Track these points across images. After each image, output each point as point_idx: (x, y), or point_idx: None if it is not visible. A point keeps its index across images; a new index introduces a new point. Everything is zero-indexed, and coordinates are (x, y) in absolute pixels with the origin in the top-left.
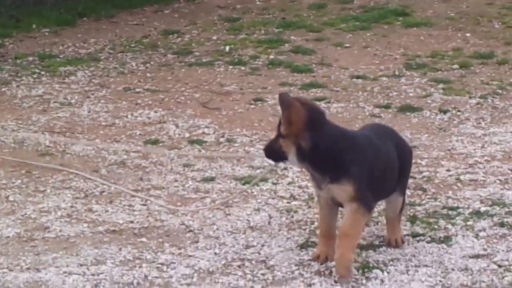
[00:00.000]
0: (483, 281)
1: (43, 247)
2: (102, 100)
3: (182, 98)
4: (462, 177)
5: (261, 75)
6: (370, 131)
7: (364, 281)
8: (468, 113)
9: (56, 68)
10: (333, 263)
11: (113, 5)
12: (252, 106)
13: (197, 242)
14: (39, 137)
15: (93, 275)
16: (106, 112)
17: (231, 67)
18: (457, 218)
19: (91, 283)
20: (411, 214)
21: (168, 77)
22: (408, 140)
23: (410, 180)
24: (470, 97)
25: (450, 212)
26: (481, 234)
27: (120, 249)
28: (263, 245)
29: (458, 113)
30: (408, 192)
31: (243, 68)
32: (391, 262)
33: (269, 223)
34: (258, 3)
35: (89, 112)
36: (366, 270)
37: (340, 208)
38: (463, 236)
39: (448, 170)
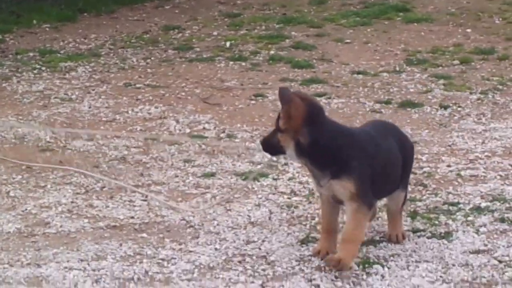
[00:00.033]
0: (484, 277)
1: (44, 242)
2: (103, 95)
3: (183, 93)
4: (462, 173)
5: (262, 71)
6: (371, 128)
7: (364, 277)
8: (469, 108)
9: (56, 63)
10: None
11: (113, 0)
12: (253, 102)
13: (197, 237)
14: (40, 133)
15: (93, 270)
16: (107, 107)
17: (231, 62)
18: (457, 213)
19: (92, 278)
20: (412, 210)
21: (169, 73)
22: (409, 136)
23: (410, 176)
24: (470, 93)
25: (450, 208)
26: (482, 229)
27: (120, 245)
28: (263, 241)
29: (459, 108)
30: (408, 187)
31: (243, 63)
32: (391, 258)
33: (269, 218)
34: None
35: (89, 107)
36: (366, 265)
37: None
38: (464, 231)
39: (449, 166)
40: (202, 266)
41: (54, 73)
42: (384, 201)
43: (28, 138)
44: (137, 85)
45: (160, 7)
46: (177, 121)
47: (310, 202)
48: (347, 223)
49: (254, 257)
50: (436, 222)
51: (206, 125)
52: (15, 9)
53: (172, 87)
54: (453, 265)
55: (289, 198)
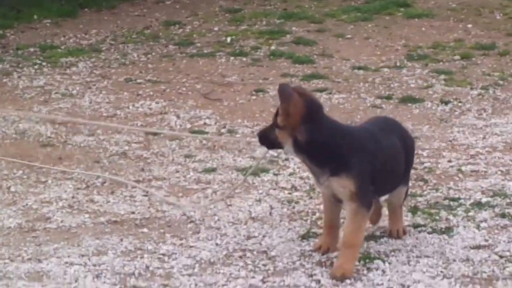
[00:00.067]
0: (484, 272)
1: (45, 237)
2: (104, 91)
3: (184, 89)
4: (463, 168)
5: (263, 66)
6: (371, 125)
7: (365, 272)
8: (470, 104)
9: (57, 59)
10: (334, 254)
11: None
12: (254, 97)
13: (198, 232)
14: (41, 128)
15: (94, 265)
16: (108, 103)
17: (232, 58)
18: (458, 209)
19: (93, 273)
20: (413, 205)
21: (170, 68)
22: (410, 131)
23: (411, 171)
24: (471, 88)
25: (451, 203)
26: (482, 225)
27: (121, 240)
28: (264, 236)
29: (460, 104)
30: (409, 183)
31: (244, 59)
32: (392, 253)
33: (270, 214)
34: None
35: (90, 103)
36: (367, 260)
37: None
38: (464, 227)
39: (450, 161)
40: (203, 261)
41: (55, 68)
42: (385, 196)
43: (29, 134)
44: (138, 81)
45: (160, 2)
46: (178, 117)
47: (311, 197)
48: (346, 226)
49: (254, 252)
50: (437, 217)
51: (207, 121)
52: (15, 4)
53: (173, 82)
54: (454, 260)
55: (290, 193)
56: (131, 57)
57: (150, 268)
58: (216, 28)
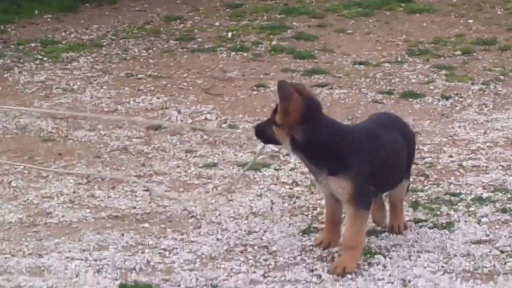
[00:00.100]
0: (485, 267)
1: (46, 232)
2: (105, 86)
3: (185, 84)
4: (464, 163)
5: (264, 61)
6: (372, 122)
7: (366, 267)
8: (471, 99)
9: (58, 54)
10: (335, 248)
11: None
12: (255, 92)
13: (199, 227)
14: (42, 123)
15: (95, 260)
16: (109, 98)
17: (233, 53)
18: (459, 204)
19: (94, 268)
20: (414, 200)
21: (171, 63)
22: (411, 126)
23: (412, 166)
24: (472, 83)
25: (452, 198)
26: (483, 220)
27: (122, 235)
28: (265, 231)
29: (461, 99)
30: (410, 178)
31: (245, 54)
32: (393, 248)
33: (271, 209)
34: None
35: (91, 98)
36: (368, 255)
37: None
38: (465, 222)
39: (451, 156)
40: (203, 256)
41: (56, 63)
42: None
43: (30, 128)
44: (139, 76)
45: None
46: (179, 112)
47: (311, 193)
48: (346, 229)
49: (255, 247)
50: (438, 213)
51: (208, 116)
52: None
53: (174, 77)
54: (455, 255)
55: (290, 189)
56: (132, 52)
57: (151, 263)
58: (217, 23)
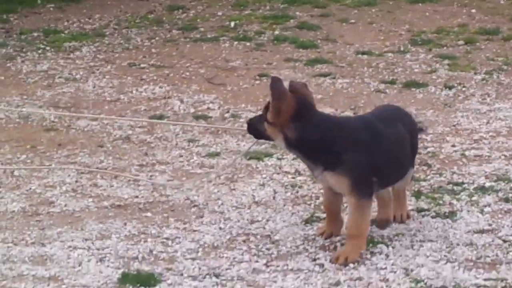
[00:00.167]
0: (488, 256)
1: (48, 221)
2: (107, 75)
3: (187, 73)
4: (467, 153)
5: (266, 51)
6: (373, 115)
7: (369, 256)
8: (473, 89)
9: (61, 43)
10: (338, 238)
11: None
12: (257, 82)
13: (202, 217)
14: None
15: (98, 249)
16: (111, 87)
17: (236, 42)
18: (462, 193)
19: (96, 257)
20: (416, 190)
21: (173, 53)
22: (414, 116)
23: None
24: (475, 73)
25: (455, 188)
26: (486, 209)
27: (125, 224)
28: (268, 220)
29: (463, 89)
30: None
31: (248, 43)
32: (396, 237)
33: (274, 198)
34: None
35: (94, 87)
36: (371, 245)
37: None
38: (468, 211)
39: (453, 146)
40: (206, 245)
41: (59, 53)
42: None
43: (32, 118)
44: (142, 65)
45: None
46: (182, 101)
47: (314, 182)
48: (349, 219)
49: (258, 237)
50: (441, 202)
51: (211, 105)
52: None
53: (176, 67)
54: (458, 244)
55: (293, 178)
56: (135, 42)
57: (154, 252)
58: (219, 13)
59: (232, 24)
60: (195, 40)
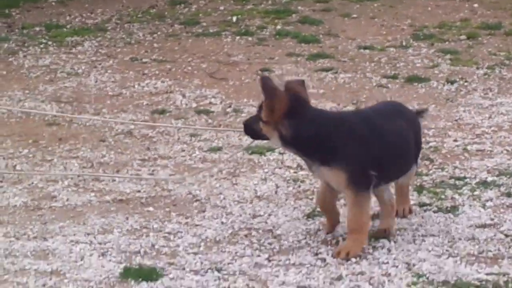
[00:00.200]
0: (490, 250)
1: (50, 216)
2: (109, 70)
3: (189, 68)
4: (469, 147)
5: (268, 46)
6: (372, 111)
7: (371, 250)
8: (476, 83)
9: (63, 38)
10: (340, 232)
11: None
12: (259, 77)
13: (204, 211)
14: (46, 107)
15: (100, 244)
16: (113, 82)
17: (238, 37)
18: (464, 188)
19: (98, 252)
20: (418, 184)
21: (175, 48)
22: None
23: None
24: (477, 68)
25: (457, 182)
26: (488, 204)
27: (127, 218)
28: (270, 215)
29: (466, 83)
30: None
31: (250, 38)
32: (398, 232)
33: (276, 192)
34: None
35: (96, 82)
36: (373, 239)
37: None
38: (470, 206)
39: (455, 140)
40: (208, 239)
41: (61, 47)
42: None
43: (34, 112)
44: (144, 60)
45: None
46: (184, 96)
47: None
48: (348, 212)
49: (260, 231)
50: (443, 197)
51: (213, 100)
52: None
53: (178, 61)
54: (460, 239)
55: (295, 172)
56: (137, 37)
57: (156, 247)
58: (221, 8)
59: (234, 18)
60: (197, 35)
